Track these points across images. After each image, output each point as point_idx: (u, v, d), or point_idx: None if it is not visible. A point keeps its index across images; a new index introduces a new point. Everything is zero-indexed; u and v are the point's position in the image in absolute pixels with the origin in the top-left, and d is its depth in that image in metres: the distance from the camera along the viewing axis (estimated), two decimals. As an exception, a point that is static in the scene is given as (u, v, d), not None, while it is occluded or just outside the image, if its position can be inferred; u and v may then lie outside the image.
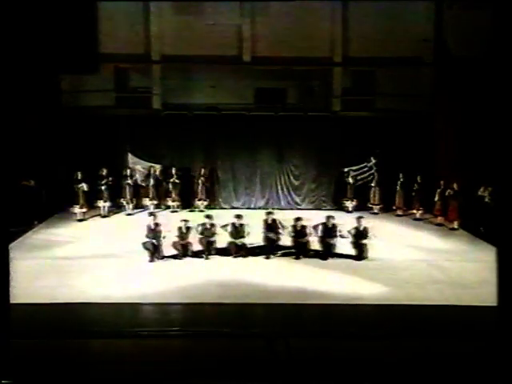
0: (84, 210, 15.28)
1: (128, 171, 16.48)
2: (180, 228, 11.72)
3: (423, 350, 7.04)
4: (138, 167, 16.94)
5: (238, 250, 11.72)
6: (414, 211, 15.93)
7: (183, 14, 17.12)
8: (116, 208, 16.43)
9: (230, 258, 11.64)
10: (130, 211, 16.29)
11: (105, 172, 15.78)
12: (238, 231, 11.79)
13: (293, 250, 11.81)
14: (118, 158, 16.89)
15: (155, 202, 16.55)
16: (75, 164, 15.73)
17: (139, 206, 16.60)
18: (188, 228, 11.76)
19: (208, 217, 12.16)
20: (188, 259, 11.55)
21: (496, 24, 3.30)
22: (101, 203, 15.75)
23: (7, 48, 2.82)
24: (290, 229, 11.90)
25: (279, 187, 17.58)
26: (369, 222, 12.38)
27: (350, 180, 16.84)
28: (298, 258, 11.67)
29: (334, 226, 11.89)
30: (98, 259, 11.34)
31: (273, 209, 14.91)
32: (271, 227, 11.91)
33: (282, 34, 16.84)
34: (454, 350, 7.05)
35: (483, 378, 5.77)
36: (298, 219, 12.06)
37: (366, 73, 17.82)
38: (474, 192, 14.26)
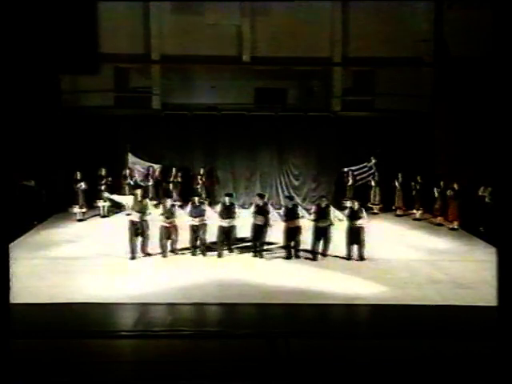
0: (84, 209, 15.28)
1: (127, 171, 16.48)
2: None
3: (423, 350, 7.04)
4: (137, 167, 16.94)
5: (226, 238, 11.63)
6: (414, 211, 15.94)
7: (183, 14, 17.12)
8: (115, 208, 16.43)
9: (229, 257, 11.66)
10: (129, 211, 16.26)
11: (104, 172, 15.78)
12: (228, 211, 11.60)
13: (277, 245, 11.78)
14: (117, 158, 16.89)
15: (155, 202, 16.52)
16: (75, 164, 15.74)
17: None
18: None
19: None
20: (188, 258, 11.56)
21: (496, 24, 3.30)
22: (101, 203, 15.75)
23: (7, 48, 2.82)
24: (282, 210, 11.82)
25: (279, 187, 17.59)
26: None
27: (350, 180, 16.84)
28: (288, 257, 11.53)
29: (328, 207, 11.75)
30: (98, 259, 11.34)
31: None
32: (261, 210, 11.60)
33: (282, 33, 16.87)
34: (454, 350, 7.04)
35: (483, 378, 5.76)
36: (288, 197, 12.16)
37: (366, 73, 17.83)
38: (474, 192, 14.26)
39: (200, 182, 16.69)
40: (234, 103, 17.34)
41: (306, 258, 11.58)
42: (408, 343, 7.45)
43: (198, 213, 11.64)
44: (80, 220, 15.17)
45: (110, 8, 14.45)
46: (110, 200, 14.65)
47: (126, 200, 12.89)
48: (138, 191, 12.25)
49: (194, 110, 17.37)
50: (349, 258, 11.55)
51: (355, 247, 11.60)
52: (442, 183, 15.07)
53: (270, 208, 12.00)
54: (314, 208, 11.94)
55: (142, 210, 11.55)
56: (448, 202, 14.65)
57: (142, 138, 17.13)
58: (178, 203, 16.26)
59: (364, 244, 11.54)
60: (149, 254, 11.62)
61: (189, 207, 11.88)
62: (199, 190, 16.58)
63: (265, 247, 11.79)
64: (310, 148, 17.50)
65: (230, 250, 11.78)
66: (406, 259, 11.70)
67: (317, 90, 18.16)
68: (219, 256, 11.59)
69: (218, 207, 11.87)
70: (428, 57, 17.14)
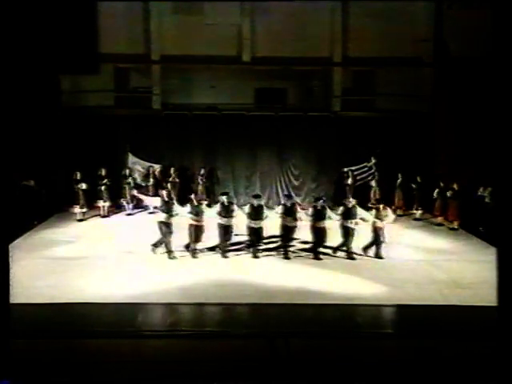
0: (84, 209, 15.27)
1: (127, 171, 16.48)
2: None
3: (423, 350, 7.04)
4: (137, 167, 16.94)
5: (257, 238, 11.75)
6: (414, 211, 15.94)
7: (183, 14, 17.12)
8: (116, 208, 16.45)
9: (230, 257, 11.67)
10: (129, 211, 16.31)
11: (104, 172, 15.79)
12: (256, 212, 11.70)
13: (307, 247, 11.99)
14: (117, 158, 16.90)
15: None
16: (75, 164, 15.74)
17: (139, 206, 16.62)
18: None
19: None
20: (188, 258, 11.58)
21: (496, 24, 3.30)
22: (101, 203, 15.75)
23: (7, 48, 2.82)
24: (309, 210, 11.95)
25: (279, 187, 17.59)
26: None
27: (350, 180, 16.84)
28: (317, 257, 11.66)
29: (354, 207, 11.94)
30: (98, 259, 11.34)
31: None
32: (290, 211, 11.79)
33: (282, 33, 16.86)
34: (454, 350, 7.05)
35: (483, 378, 5.76)
36: (318, 199, 12.31)
37: (366, 73, 17.83)
38: (474, 192, 14.26)
39: (200, 182, 16.70)
40: (234, 103, 17.34)
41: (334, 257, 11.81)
42: (408, 343, 7.45)
43: (227, 213, 11.68)
44: (80, 220, 15.16)
45: (109, 8, 14.44)
46: (137, 199, 14.90)
47: (152, 201, 12.86)
48: (164, 192, 12.22)
49: (193, 109, 17.37)
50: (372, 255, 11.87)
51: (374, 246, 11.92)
52: (441, 183, 15.08)
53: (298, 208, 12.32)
54: (340, 208, 12.04)
55: (169, 211, 11.55)
56: (448, 201, 14.65)
57: (142, 138, 17.11)
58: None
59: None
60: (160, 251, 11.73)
61: (218, 207, 11.88)
62: (199, 189, 16.60)
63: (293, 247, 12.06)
64: (310, 148, 17.49)
65: (259, 251, 11.84)
66: (406, 259, 11.71)
67: (317, 89, 18.17)
68: (255, 256, 11.69)
69: (246, 209, 11.98)
70: (428, 57, 17.15)
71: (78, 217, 15.18)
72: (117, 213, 16.32)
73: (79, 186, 15.09)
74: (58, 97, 16.43)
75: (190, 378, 6.31)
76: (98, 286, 9.61)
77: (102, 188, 15.64)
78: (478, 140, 13.78)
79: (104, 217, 15.77)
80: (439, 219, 15.12)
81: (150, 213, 16.33)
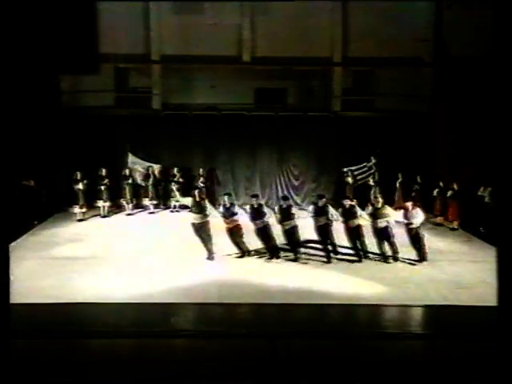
0: (84, 209, 15.28)
1: (127, 171, 16.49)
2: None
3: (423, 350, 7.04)
4: (137, 167, 16.95)
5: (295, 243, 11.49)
6: (414, 211, 15.91)
7: (183, 14, 17.12)
8: (116, 208, 16.45)
9: (229, 257, 11.65)
10: (129, 211, 16.31)
11: (104, 172, 15.80)
12: (285, 214, 11.40)
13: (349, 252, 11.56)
14: (117, 158, 16.90)
15: (155, 202, 16.59)
16: (75, 164, 15.74)
17: (139, 206, 16.63)
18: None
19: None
20: (188, 258, 11.56)
21: (496, 24, 3.30)
22: (101, 203, 15.75)
23: (7, 48, 2.82)
24: (339, 210, 11.59)
25: (279, 187, 17.60)
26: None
27: (350, 180, 16.84)
28: (359, 260, 11.42)
29: (383, 207, 11.53)
30: (98, 259, 11.34)
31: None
32: (321, 211, 11.47)
33: (282, 33, 16.86)
34: (454, 350, 7.04)
35: (483, 378, 5.76)
36: (345, 198, 12.04)
37: (366, 73, 17.84)
38: (474, 192, 14.26)
39: (200, 182, 16.70)
40: (234, 103, 17.35)
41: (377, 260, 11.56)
42: (408, 343, 7.44)
43: (259, 216, 11.43)
44: (80, 220, 15.17)
45: (109, 8, 14.43)
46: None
47: (187, 201, 12.26)
48: (196, 192, 11.90)
49: (193, 109, 17.38)
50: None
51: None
52: (441, 183, 15.08)
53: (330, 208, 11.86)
54: (370, 209, 11.60)
55: (202, 211, 11.34)
56: (448, 201, 14.66)
57: (141, 138, 17.14)
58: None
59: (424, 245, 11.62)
60: (212, 256, 11.48)
61: (249, 211, 11.64)
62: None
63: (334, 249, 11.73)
64: (310, 148, 17.51)
65: (296, 253, 11.53)
66: (406, 259, 11.70)
67: (317, 89, 18.17)
68: (296, 260, 11.39)
69: (276, 211, 11.72)
70: (428, 57, 17.16)
71: (78, 217, 15.19)
72: (117, 213, 16.32)
73: (79, 186, 15.10)
74: (57, 97, 16.43)
75: (190, 377, 6.31)
76: (99, 286, 9.61)
77: (102, 188, 15.65)
78: (478, 140, 13.78)
79: (104, 217, 15.77)
80: (439, 219, 15.12)
81: (150, 213, 16.39)
